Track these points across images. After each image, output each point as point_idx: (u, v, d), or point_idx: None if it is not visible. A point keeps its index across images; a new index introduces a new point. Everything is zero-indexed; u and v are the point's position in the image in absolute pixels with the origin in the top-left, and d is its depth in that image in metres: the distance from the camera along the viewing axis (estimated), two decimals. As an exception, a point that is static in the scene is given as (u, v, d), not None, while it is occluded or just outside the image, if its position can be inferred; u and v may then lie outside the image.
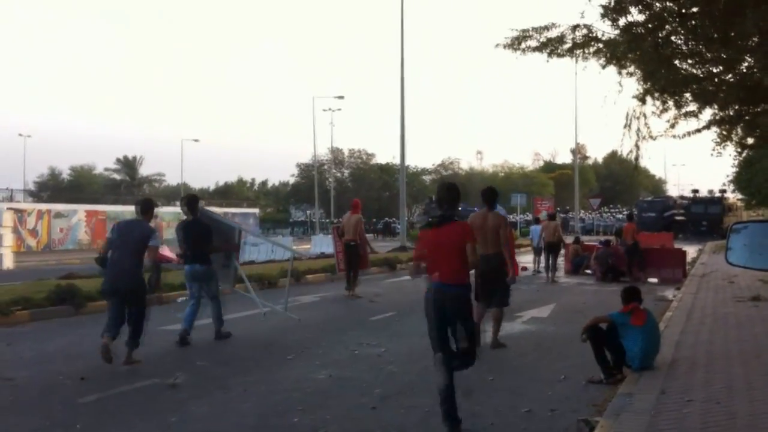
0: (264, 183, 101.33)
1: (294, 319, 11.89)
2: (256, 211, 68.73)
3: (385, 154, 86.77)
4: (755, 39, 10.71)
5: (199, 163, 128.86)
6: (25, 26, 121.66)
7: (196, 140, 76.64)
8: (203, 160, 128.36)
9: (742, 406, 6.23)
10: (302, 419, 6.47)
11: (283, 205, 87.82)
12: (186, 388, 7.61)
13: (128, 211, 51.10)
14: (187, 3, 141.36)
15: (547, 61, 13.65)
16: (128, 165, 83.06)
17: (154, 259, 9.18)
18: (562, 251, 21.94)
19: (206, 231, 10.71)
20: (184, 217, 10.93)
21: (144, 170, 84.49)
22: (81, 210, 47.31)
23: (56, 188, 74.03)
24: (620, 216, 64.71)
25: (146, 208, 9.63)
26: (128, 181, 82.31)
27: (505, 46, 13.80)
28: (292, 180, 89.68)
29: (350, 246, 16.22)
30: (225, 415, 6.66)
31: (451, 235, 6.29)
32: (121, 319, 8.91)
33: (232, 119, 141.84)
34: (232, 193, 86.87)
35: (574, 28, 12.99)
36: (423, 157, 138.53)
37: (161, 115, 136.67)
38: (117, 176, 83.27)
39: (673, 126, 14.41)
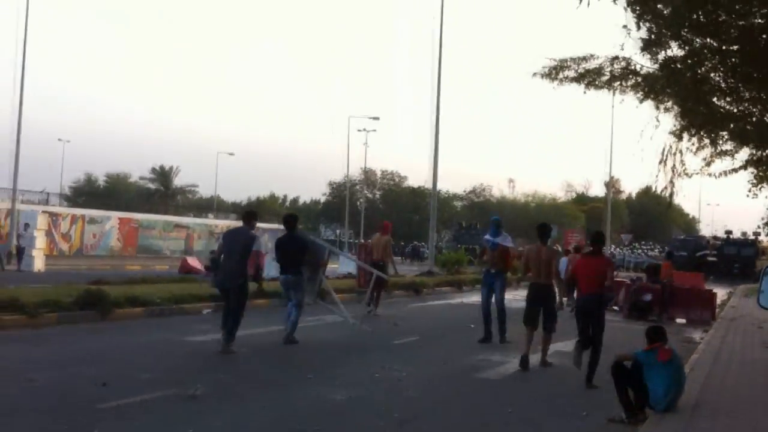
0: (295, 200, 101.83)
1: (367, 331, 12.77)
2: (285, 227, 68.96)
3: (417, 177, 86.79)
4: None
5: (232, 176, 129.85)
6: (71, 27, 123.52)
7: (231, 154, 77.33)
8: (236, 173, 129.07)
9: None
10: (319, 439, 6.46)
11: (313, 223, 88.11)
12: (205, 400, 7.63)
13: (161, 219, 51.75)
14: (229, 18, 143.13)
15: (584, 92, 13.68)
16: (163, 175, 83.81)
17: (256, 260, 10.52)
18: None
19: (302, 245, 11.98)
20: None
21: (178, 181, 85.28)
22: (114, 217, 47.86)
23: (91, 194, 74.90)
24: (652, 253, 64.12)
25: (249, 217, 11.43)
26: (162, 191, 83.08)
27: (542, 76, 13.83)
28: (323, 198, 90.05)
29: (377, 265, 16.37)
30: (241, 430, 6.66)
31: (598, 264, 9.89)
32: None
33: (267, 135, 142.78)
34: (263, 208, 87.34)
35: (613, 60, 12.99)
36: (454, 182, 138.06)
37: (198, 126, 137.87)
38: (151, 185, 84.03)
39: (708, 164, 14.29)
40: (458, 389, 9.08)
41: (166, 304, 14.73)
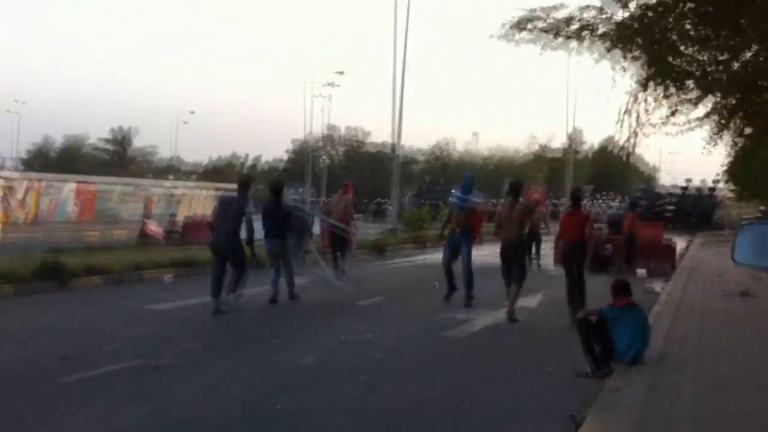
0: (258, 159, 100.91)
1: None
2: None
3: (383, 133, 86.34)
4: (764, 26, 10.62)
5: (192, 137, 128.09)
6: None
7: (192, 112, 76.33)
8: (197, 134, 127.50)
9: (731, 404, 6.19)
10: (287, 405, 6.39)
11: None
12: (171, 371, 7.52)
13: (119, 184, 50.96)
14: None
15: (540, 54, 13.53)
16: (122, 136, 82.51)
17: (248, 220, 11.11)
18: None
19: (288, 212, 12.70)
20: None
21: (137, 142, 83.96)
22: (71, 182, 46.93)
23: (48, 159, 73.53)
24: (613, 203, 64.76)
25: (243, 184, 11.95)
26: (121, 152, 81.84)
27: (499, 37, 13.67)
28: (285, 157, 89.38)
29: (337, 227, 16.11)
30: (209, 400, 6.57)
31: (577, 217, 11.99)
32: (220, 275, 11.06)
33: (227, 93, 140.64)
34: (225, 169, 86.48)
35: (582, 8, 12.89)
36: (418, 138, 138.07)
37: (156, 86, 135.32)
38: (110, 147, 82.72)
39: (673, 114, 14.28)
40: (425, 349, 9.08)
41: (126, 272, 14.48)
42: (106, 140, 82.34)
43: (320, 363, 8.11)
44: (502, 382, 7.53)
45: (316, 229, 17.16)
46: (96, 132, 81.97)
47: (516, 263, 11.62)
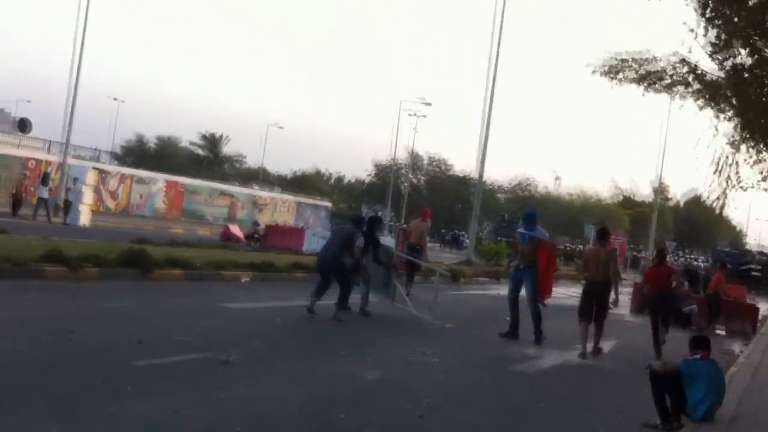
0: (340, 178, 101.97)
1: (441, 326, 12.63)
2: (328, 204, 69.26)
3: (463, 165, 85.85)
4: None
5: (279, 148, 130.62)
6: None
7: (281, 127, 77.86)
8: (284, 146, 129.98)
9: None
10: (346, 416, 6.41)
11: (356, 202, 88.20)
12: (236, 367, 7.64)
13: (207, 185, 52.21)
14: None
15: (643, 94, 13.42)
16: (212, 142, 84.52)
17: (357, 250, 12.02)
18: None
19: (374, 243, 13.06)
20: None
21: (226, 149, 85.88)
22: (161, 179, 48.34)
23: (141, 155, 75.81)
24: (696, 263, 63.11)
25: (358, 218, 13.45)
26: (210, 158, 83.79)
27: (602, 73, 13.58)
28: (367, 178, 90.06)
29: (413, 249, 17.06)
30: (269, 400, 6.66)
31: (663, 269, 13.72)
32: (324, 286, 11.95)
33: (317, 109, 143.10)
34: (307, 183, 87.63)
35: (675, 64, 12.69)
36: (499, 173, 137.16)
37: (250, 97, 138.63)
38: (200, 151, 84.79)
39: (765, 179, 13.89)
40: (490, 379, 8.99)
41: (206, 268, 14.83)
42: (198, 145, 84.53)
43: (384, 379, 8.12)
44: (566, 422, 7.40)
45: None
46: (187, 136, 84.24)
47: (600, 303, 11.95)
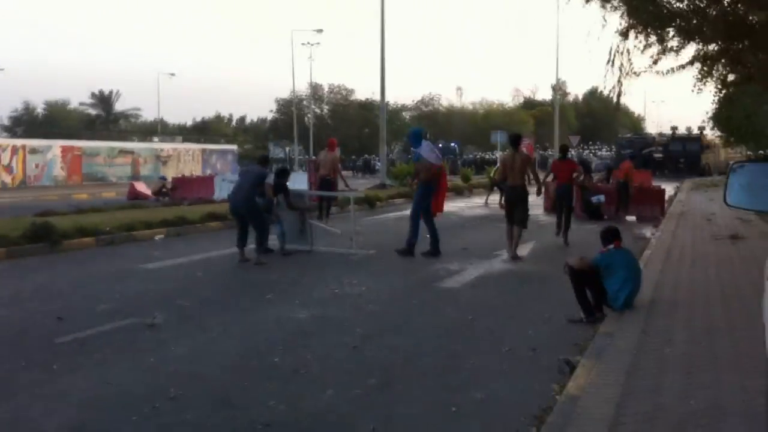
0: (242, 119, 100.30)
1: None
2: (234, 147, 68.06)
3: (365, 90, 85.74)
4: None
5: (175, 98, 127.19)
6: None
7: (172, 74, 75.93)
8: (180, 95, 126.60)
9: (724, 346, 6.26)
10: (283, 359, 6.42)
11: (262, 141, 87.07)
12: (165, 328, 7.53)
13: (104, 146, 50.55)
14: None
15: None
16: (103, 100, 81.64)
17: (268, 190, 12.26)
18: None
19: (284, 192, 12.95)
20: None
21: (120, 105, 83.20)
22: (56, 146, 46.55)
23: (31, 123, 72.76)
24: (600, 153, 64.90)
25: (263, 158, 13.73)
26: (104, 116, 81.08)
27: None
28: (270, 116, 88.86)
29: (326, 181, 17.70)
30: (205, 356, 6.59)
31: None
32: (243, 232, 11.98)
33: (208, 53, 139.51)
34: (209, 129, 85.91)
35: None
36: (403, 93, 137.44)
37: (136, 48, 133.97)
38: (92, 111, 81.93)
39: (655, 62, 14.22)
40: (419, 300, 9.10)
41: (116, 232, 14.44)
42: (89, 104, 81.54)
43: (314, 317, 8.14)
44: (497, 330, 7.57)
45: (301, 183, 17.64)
46: (77, 97, 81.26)
47: (520, 207, 12.60)
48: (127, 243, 14.22)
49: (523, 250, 13.14)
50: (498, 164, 22.31)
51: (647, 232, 16.45)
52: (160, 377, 5.95)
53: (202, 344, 6.99)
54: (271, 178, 12.42)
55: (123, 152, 51.63)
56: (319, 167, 18.18)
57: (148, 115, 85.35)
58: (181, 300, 8.91)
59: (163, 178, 31.48)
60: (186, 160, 56.24)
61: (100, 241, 13.87)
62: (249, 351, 6.74)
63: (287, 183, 13.35)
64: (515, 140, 13.57)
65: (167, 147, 57.37)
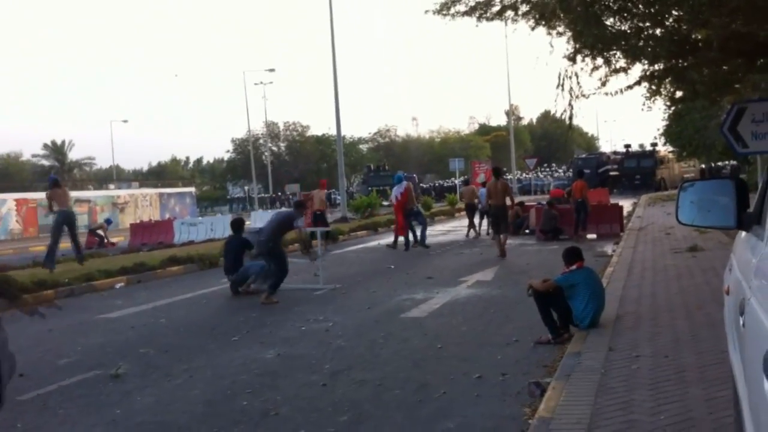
0: (199, 161, 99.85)
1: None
2: (191, 190, 67.68)
3: (322, 125, 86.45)
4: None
5: (130, 144, 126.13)
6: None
7: (125, 121, 75.63)
8: (135, 141, 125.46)
9: (689, 358, 6.30)
10: (252, 402, 6.33)
11: (220, 182, 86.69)
12: (130, 378, 7.39)
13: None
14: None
15: (477, 25, 13.73)
16: (57, 150, 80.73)
17: (297, 234, 13.20)
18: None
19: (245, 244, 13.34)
20: None
21: (74, 154, 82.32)
22: (10, 199, 45.87)
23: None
24: (557, 174, 65.61)
25: (298, 205, 13.81)
26: (57, 167, 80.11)
27: (434, 12, 13.71)
28: (227, 156, 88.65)
29: (318, 215, 21.57)
30: (172, 404, 6.47)
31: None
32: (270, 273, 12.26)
33: (161, 98, 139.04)
34: (166, 173, 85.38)
35: None
36: (359, 125, 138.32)
37: (88, 97, 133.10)
38: (45, 162, 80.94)
39: (604, 84, 14.46)
40: (386, 332, 9.05)
41: (76, 283, 14.20)
42: (43, 155, 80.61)
43: (282, 356, 8.05)
44: (466, 357, 7.56)
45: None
46: (29, 149, 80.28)
47: (503, 221, 16.62)
48: (87, 293, 13.99)
49: (488, 275, 13.20)
50: (459, 189, 25.34)
51: (608, 249, 16.62)
52: (126, 428, 5.83)
53: (168, 392, 6.86)
54: (301, 221, 12.78)
55: (79, 201, 50.93)
56: (313, 203, 21.84)
57: (102, 162, 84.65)
58: (144, 348, 8.77)
59: (108, 222, 30.98)
60: (143, 205, 55.73)
61: (60, 293, 13.61)
62: (216, 396, 6.64)
63: (243, 233, 13.76)
64: (497, 172, 17.98)
65: (123, 193, 56.81)
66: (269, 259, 12.18)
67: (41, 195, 48.81)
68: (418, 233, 19.57)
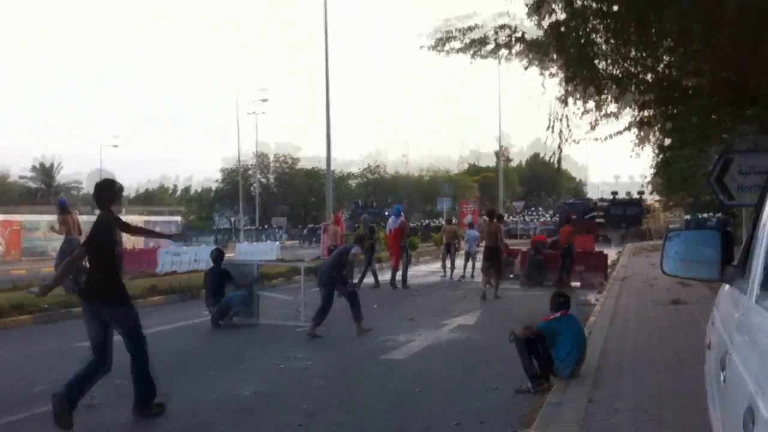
0: (187, 189, 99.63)
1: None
2: (178, 219, 67.40)
3: (313, 146, 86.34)
4: (673, 38, 10.88)
5: (119, 167, 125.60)
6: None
7: (115, 146, 75.12)
8: (123, 164, 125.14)
9: (669, 413, 6.27)
10: (226, 440, 6.24)
11: (207, 212, 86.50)
12: (104, 409, 7.29)
13: (45, 220, 49.51)
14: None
15: (471, 62, 13.83)
16: (45, 172, 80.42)
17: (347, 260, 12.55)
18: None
19: (225, 275, 13.43)
20: None
21: (61, 177, 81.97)
22: (-6, 219, 45.53)
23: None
24: (543, 218, 65.88)
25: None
26: (44, 189, 79.76)
27: (429, 48, 13.83)
28: (215, 185, 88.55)
29: (332, 249, 21.31)
30: (145, 438, 6.37)
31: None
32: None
33: (151, 120, 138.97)
34: (153, 199, 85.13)
35: (498, 29, 13.07)
36: (349, 154, 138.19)
37: (77, 116, 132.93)
38: (33, 184, 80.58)
39: (593, 128, 14.57)
40: (366, 373, 8.99)
41: (55, 308, 14.03)
42: (30, 177, 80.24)
43: (259, 393, 7.96)
44: (444, 402, 7.49)
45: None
46: (16, 170, 79.76)
47: (497, 262, 17.09)
48: (65, 319, 13.80)
49: (470, 319, 13.16)
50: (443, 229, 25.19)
51: (591, 297, 16.62)
52: (96, 463, 5.73)
53: (142, 425, 6.77)
54: (357, 249, 12.90)
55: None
56: (328, 238, 25.33)
57: (90, 186, 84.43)
58: (119, 379, 8.63)
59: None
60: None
61: (38, 318, 13.46)
62: (191, 431, 6.54)
63: (221, 264, 13.70)
64: (491, 214, 19.05)
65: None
66: (325, 289, 12.05)
67: (26, 217, 48.72)
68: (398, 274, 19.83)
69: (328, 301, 11.88)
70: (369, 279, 20.39)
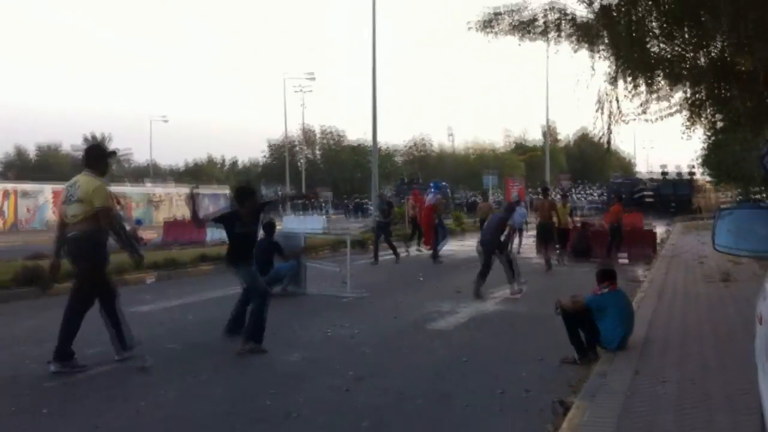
0: (234, 163, 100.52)
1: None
2: (226, 191, 68.13)
3: (357, 130, 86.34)
4: (726, 22, 10.66)
5: (167, 141, 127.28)
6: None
7: (165, 120, 75.83)
8: (172, 137, 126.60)
9: (716, 386, 6.22)
10: (274, 403, 6.35)
11: (255, 184, 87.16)
12: (155, 372, 7.47)
13: (96, 191, 50.40)
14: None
15: (519, 44, 13.72)
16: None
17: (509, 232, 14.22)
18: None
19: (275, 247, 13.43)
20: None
21: (112, 148, 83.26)
22: (48, 189, 46.46)
23: (23, 168, 72.73)
24: (591, 197, 65.16)
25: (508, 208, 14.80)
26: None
27: (477, 29, 13.75)
28: (262, 159, 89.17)
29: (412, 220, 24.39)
30: (195, 400, 6.52)
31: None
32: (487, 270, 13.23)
33: (201, 96, 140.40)
34: (202, 172, 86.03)
35: (547, 10, 12.95)
36: (395, 133, 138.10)
37: (128, 91, 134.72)
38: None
39: (644, 110, 14.37)
40: (411, 342, 9.06)
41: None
42: (81, 148, 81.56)
43: (306, 359, 8.08)
44: (490, 371, 7.53)
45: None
46: (68, 141, 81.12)
47: (550, 237, 18.49)
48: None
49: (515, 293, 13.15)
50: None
51: (639, 273, 16.46)
52: (149, 422, 5.89)
53: (192, 388, 6.92)
54: (514, 219, 14.13)
55: (115, 195, 51.55)
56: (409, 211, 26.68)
57: (140, 158, 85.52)
58: (171, 344, 8.85)
59: (139, 222, 31.12)
60: (178, 203, 56.20)
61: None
62: (239, 394, 6.68)
63: (274, 234, 13.69)
64: (545, 191, 21.47)
65: (159, 191, 57.34)
66: (485, 256, 13.11)
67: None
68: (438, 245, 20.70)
69: (485, 266, 13.06)
70: (387, 254, 20.48)
